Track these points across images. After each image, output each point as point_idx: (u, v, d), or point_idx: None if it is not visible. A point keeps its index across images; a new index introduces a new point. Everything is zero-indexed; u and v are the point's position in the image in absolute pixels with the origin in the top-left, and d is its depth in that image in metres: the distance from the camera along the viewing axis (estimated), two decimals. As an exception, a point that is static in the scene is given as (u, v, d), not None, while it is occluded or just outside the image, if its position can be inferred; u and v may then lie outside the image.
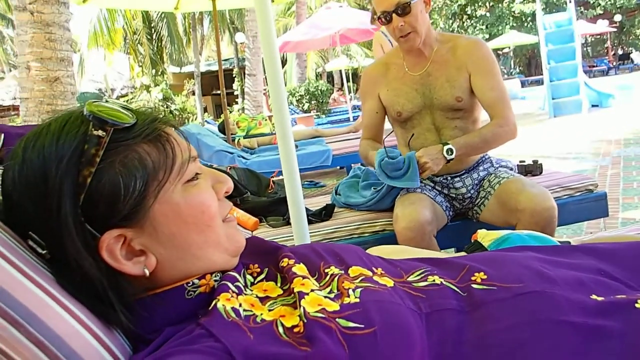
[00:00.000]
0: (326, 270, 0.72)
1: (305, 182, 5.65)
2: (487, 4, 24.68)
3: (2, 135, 0.72)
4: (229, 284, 0.66)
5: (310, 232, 1.90)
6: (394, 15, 1.80)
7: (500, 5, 24.17)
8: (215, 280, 0.68)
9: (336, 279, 0.69)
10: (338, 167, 5.71)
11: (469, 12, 24.17)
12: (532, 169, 2.36)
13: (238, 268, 0.71)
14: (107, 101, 0.64)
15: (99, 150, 0.59)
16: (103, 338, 0.59)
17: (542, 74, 10.75)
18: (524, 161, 2.42)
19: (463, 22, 24.72)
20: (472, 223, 1.96)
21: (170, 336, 0.60)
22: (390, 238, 1.89)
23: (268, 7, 1.49)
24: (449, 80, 1.85)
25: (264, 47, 1.50)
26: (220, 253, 0.69)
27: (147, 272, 0.63)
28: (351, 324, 0.60)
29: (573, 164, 5.07)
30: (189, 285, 0.66)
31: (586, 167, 4.82)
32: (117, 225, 0.61)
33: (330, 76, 20.95)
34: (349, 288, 0.66)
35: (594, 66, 24.49)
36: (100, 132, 0.60)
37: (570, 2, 10.48)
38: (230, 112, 13.99)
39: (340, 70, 11.81)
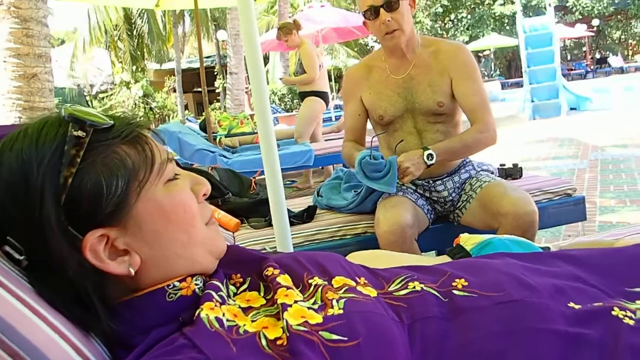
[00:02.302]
0: (310, 281, 0.71)
1: (287, 182, 5.66)
2: (469, 6, 24.93)
3: None
4: (213, 293, 0.65)
5: (292, 234, 1.89)
6: (381, 10, 1.80)
7: (481, 7, 24.44)
8: (197, 284, 0.67)
9: (320, 289, 0.69)
10: (320, 167, 5.72)
11: (451, 17, 24.40)
12: (512, 173, 2.38)
13: (220, 277, 0.70)
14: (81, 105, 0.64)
15: (79, 150, 0.59)
16: (81, 347, 0.58)
17: (522, 77, 10.89)
18: (504, 164, 2.44)
19: (445, 24, 24.93)
20: (453, 226, 1.98)
21: (153, 341, 0.59)
22: (371, 241, 1.89)
23: (250, 7, 1.48)
24: (431, 85, 1.86)
25: (246, 46, 1.49)
26: (204, 253, 0.69)
27: (132, 271, 0.63)
28: (334, 337, 0.59)
29: (551, 167, 5.15)
30: (169, 287, 0.65)
31: (564, 170, 4.90)
32: (100, 225, 0.61)
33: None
34: (333, 299, 0.66)
35: (572, 69, 24.90)
36: (80, 133, 0.60)
37: (550, 5, 10.64)
38: (212, 110, 13.89)
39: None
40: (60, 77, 16.63)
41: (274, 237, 1.67)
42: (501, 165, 2.43)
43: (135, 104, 14.08)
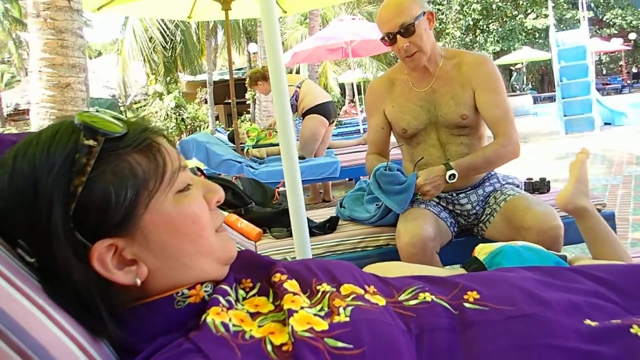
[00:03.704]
0: (318, 287, 0.71)
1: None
2: (500, 19, 24.68)
3: None
4: (220, 298, 0.66)
5: (313, 245, 1.89)
6: (398, 36, 1.80)
7: (512, 20, 24.18)
8: (206, 291, 0.67)
9: (327, 296, 0.68)
10: (347, 179, 5.70)
11: (481, 27, 24.19)
12: (539, 187, 2.34)
13: (229, 281, 0.71)
14: (97, 111, 0.64)
15: (90, 159, 0.59)
16: (88, 348, 0.59)
17: (555, 91, 10.69)
18: (531, 179, 2.40)
19: (476, 36, 24.72)
20: (477, 239, 1.94)
21: (160, 347, 0.59)
22: (393, 253, 1.88)
23: (274, 18, 1.49)
24: (454, 98, 1.85)
25: (269, 56, 1.51)
26: (212, 262, 0.69)
27: (138, 281, 0.63)
28: (340, 344, 0.59)
29: (583, 182, 5.01)
30: (178, 295, 0.66)
31: (597, 186, 4.77)
32: (108, 234, 0.61)
33: (342, 88, 21.01)
34: (340, 306, 0.66)
35: (607, 84, 24.33)
36: (91, 142, 0.60)
37: (584, 19, 10.45)
38: (242, 121, 14.04)
39: (352, 83, 11.84)
40: (96, 88, 17.10)
41: (294, 247, 1.67)
42: (528, 179, 2.39)
43: (168, 114, 14.33)
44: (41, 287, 0.60)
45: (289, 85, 4.83)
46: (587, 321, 0.68)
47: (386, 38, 1.84)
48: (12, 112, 17.84)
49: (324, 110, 4.93)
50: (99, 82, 17.63)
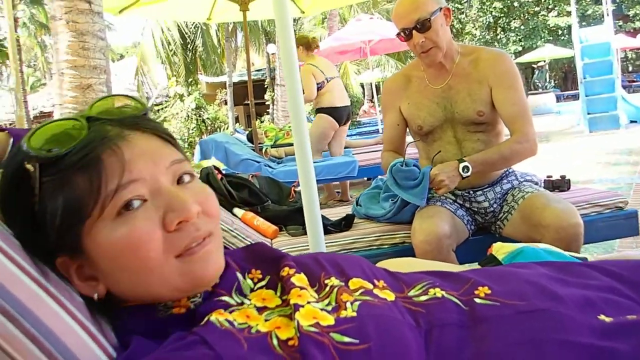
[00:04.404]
0: (326, 281, 0.70)
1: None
2: (522, 16, 24.34)
3: (12, 139, 0.73)
4: (221, 302, 0.65)
5: (329, 242, 1.89)
6: (414, 31, 1.79)
7: (535, 18, 23.82)
8: (193, 301, 0.65)
9: (335, 290, 0.68)
10: (365, 179, 5.69)
11: (502, 25, 23.88)
12: (559, 185, 2.30)
13: (230, 281, 0.69)
14: (56, 120, 0.64)
15: (34, 182, 0.60)
16: (98, 336, 0.60)
17: (578, 89, 10.49)
18: (551, 176, 2.36)
19: (497, 34, 24.43)
20: (494, 238, 1.92)
21: (140, 348, 0.59)
22: (409, 251, 1.86)
23: (287, 17, 1.50)
24: (471, 94, 1.83)
25: (283, 57, 1.51)
26: (169, 291, 0.63)
27: (95, 296, 0.63)
28: (346, 339, 0.59)
29: (607, 181, 4.92)
30: (160, 305, 0.65)
31: (621, 185, 4.67)
32: (58, 252, 0.62)
33: (361, 87, 20.97)
34: (347, 301, 0.65)
35: (633, 81, 23.85)
36: (29, 166, 0.60)
37: (607, 15, 10.25)
38: (261, 122, 14.11)
39: (371, 83, 11.82)
40: (119, 90, 17.35)
41: (309, 245, 1.67)
42: (548, 177, 2.35)
43: (188, 115, 14.45)
44: (51, 274, 0.62)
45: (320, 72, 4.84)
46: (602, 317, 0.67)
47: (402, 34, 1.83)
48: (37, 115, 18.21)
49: (337, 113, 4.94)
50: (121, 84, 17.88)
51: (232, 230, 1.89)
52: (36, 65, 25.44)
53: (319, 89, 4.86)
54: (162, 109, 16.65)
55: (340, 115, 4.96)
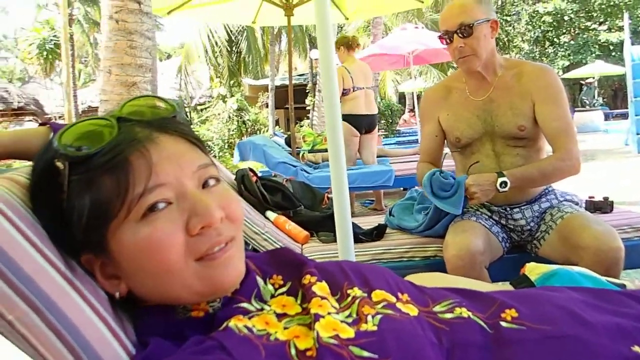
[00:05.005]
0: (348, 291, 0.70)
1: (367, 201, 5.63)
2: (572, 31, 23.71)
3: (52, 133, 0.76)
4: (241, 311, 0.65)
5: (359, 251, 1.88)
6: (455, 35, 1.77)
7: (585, 33, 23.15)
8: (212, 306, 0.66)
9: (357, 302, 0.67)
10: (401, 188, 5.63)
11: (551, 39, 23.30)
12: (601, 206, 2.22)
13: (250, 287, 0.69)
14: (88, 119, 0.65)
15: (62, 179, 0.61)
16: (119, 333, 0.61)
17: (628, 108, 10.13)
18: (593, 197, 2.28)
19: (545, 48, 23.86)
20: (530, 257, 1.86)
21: (158, 350, 0.59)
22: (441, 265, 1.83)
23: (328, 24, 1.50)
24: (512, 108, 1.79)
25: (322, 61, 1.51)
26: (189, 295, 0.63)
27: (117, 295, 0.64)
28: (365, 353, 0.58)
29: (654, 205, 4.72)
30: (180, 307, 0.65)
31: (669, 209, 4.47)
32: (84, 249, 0.63)
33: (402, 97, 20.83)
34: (369, 314, 0.64)
35: (688, 102, 22.83)
36: (59, 164, 0.62)
37: (663, 32, 9.86)
38: (301, 126, 14.19)
39: (413, 92, 11.73)
40: (164, 89, 17.78)
41: (338, 253, 1.66)
42: (590, 197, 2.27)
43: (230, 117, 14.67)
44: (77, 268, 0.63)
45: (350, 78, 4.81)
46: (636, 348, 0.64)
47: (444, 36, 1.81)
48: (86, 109, 18.86)
49: (355, 121, 4.86)
50: (167, 83, 18.31)
51: (263, 234, 1.90)
52: (87, 62, 26.36)
53: (344, 94, 4.82)
54: (204, 109, 16.97)
55: (359, 123, 4.88)
